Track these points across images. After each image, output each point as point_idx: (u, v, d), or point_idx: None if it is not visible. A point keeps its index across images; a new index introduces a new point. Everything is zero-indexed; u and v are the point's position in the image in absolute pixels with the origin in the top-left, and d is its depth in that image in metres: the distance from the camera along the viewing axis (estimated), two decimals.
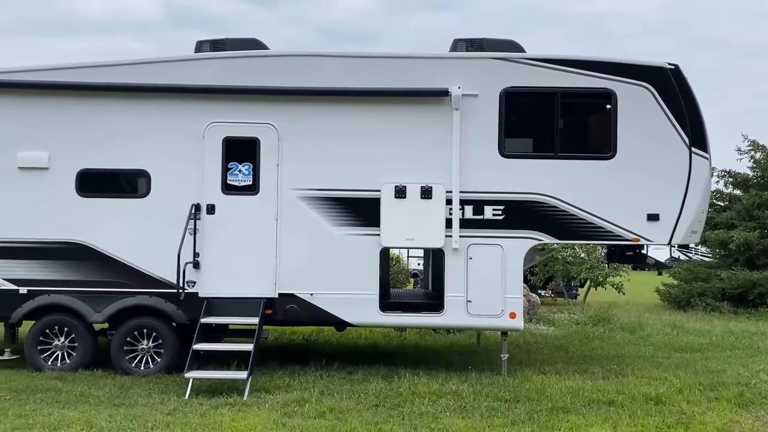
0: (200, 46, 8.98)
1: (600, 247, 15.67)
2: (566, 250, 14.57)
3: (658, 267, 12.34)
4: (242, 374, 7.23)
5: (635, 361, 9.56)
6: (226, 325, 8.50)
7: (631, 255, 9.13)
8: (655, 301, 19.28)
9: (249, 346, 7.53)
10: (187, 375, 7.20)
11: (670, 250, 14.82)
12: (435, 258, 10.02)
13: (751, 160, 18.85)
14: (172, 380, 7.72)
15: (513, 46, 8.71)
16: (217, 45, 8.88)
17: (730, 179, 19.29)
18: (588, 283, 15.36)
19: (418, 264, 19.34)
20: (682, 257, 19.67)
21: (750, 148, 18.89)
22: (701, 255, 23.24)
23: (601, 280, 14.86)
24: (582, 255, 15.23)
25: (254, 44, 8.90)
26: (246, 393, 7.10)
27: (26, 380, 7.54)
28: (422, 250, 11.66)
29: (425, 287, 11.17)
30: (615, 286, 15.06)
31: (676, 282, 18.95)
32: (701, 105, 8.22)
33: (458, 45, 8.84)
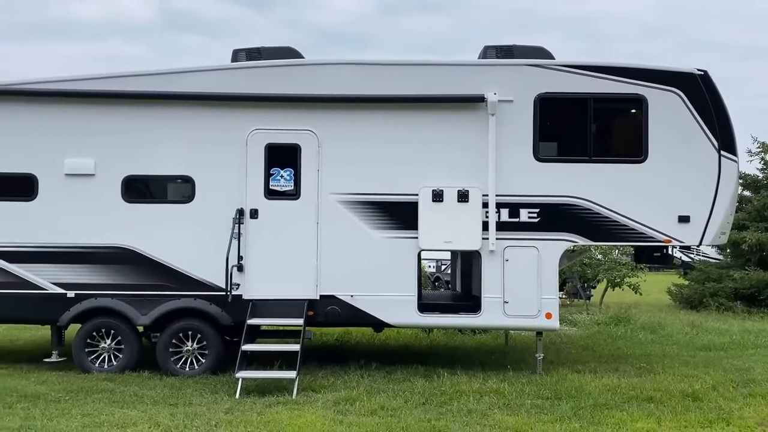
0: (236, 55, 9.19)
1: (616, 249, 15.93)
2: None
3: (684, 267, 12.55)
4: (291, 374, 7.44)
5: (663, 359, 9.77)
6: (258, 326, 8.64)
7: (658, 256, 9.35)
8: (666, 302, 19.52)
9: (295, 347, 7.74)
10: (237, 375, 7.40)
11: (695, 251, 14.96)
12: (464, 260, 10.27)
13: (761, 162, 19.09)
14: (218, 380, 7.92)
15: (542, 52, 8.94)
16: (252, 54, 9.09)
17: (741, 181, 19.51)
18: (605, 284, 15.58)
19: (430, 266, 19.56)
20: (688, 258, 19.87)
21: (759, 149, 19.13)
22: (703, 255, 23.51)
23: (618, 281, 15.09)
24: (598, 256, 15.45)
25: (289, 52, 9.10)
26: (295, 392, 7.31)
27: (78, 381, 7.73)
28: (448, 254, 11.87)
29: (452, 289, 11.40)
30: (632, 287, 15.28)
31: (686, 282, 19.20)
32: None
33: (488, 51, 9.06)
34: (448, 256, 13.48)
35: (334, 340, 10.98)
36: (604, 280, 15.38)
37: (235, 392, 7.30)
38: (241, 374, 7.44)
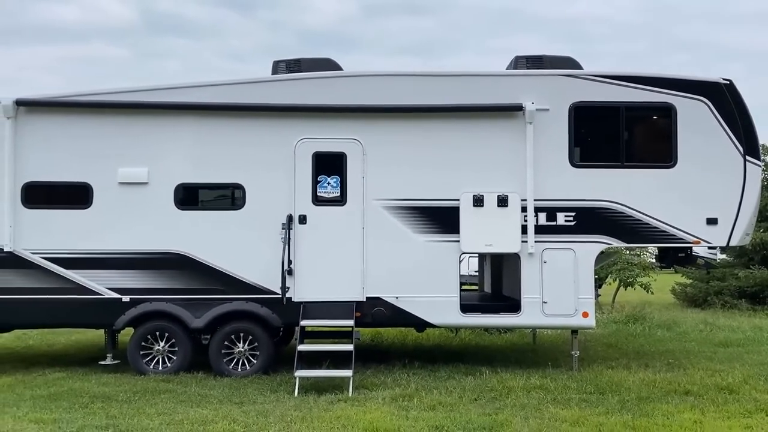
0: (276, 66, 9.53)
1: (629, 250, 16.35)
2: None
3: (707, 267, 12.99)
4: (347, 372, 7.78)
5: (687, 355, 10.20)
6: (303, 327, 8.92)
7: (683, 256, 9.80)
8: (670, 301, 20.02)
9: (349, 347, 8.09)
10: (296, 374, 7.73)
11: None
12: (494, 262, 10.66)
13: (763, 163, 19.63)
14: (271, 380, 8.25)
15: (572, 63, 9.36)
16: (292, 65, 9.43)
17: None
18: (617, 283, 16.02)
19: None
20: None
21: (762, 151, 19.66)
22: (722, 255, 24.04)
23: (631, 280, 15.54)
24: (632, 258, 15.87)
25: (328, 63, 9.45)
26: (350, 390, 7.65)
27: (139, 383, 8.01)
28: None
29: (480, 290, 11.77)
30: (643, 286, 15.74)
31: (689, 281, 19.74)
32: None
33: (519, 62, 9.47)
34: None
35: (369, 340, 11.31)
36: (617, 279, 15.81)
37: (294, 390, 7.64)
38: (299, 373, 7.77)
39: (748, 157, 8.85)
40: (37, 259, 8.58)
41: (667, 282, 19.41)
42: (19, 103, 8.60)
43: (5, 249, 8.52)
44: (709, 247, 9.00)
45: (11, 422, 6.33)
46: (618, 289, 16.14)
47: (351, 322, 8.39)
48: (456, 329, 11.56)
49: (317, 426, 6.24)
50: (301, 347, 8.07)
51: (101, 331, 9.38)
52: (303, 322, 8.36)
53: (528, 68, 9.30)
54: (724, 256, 21.56)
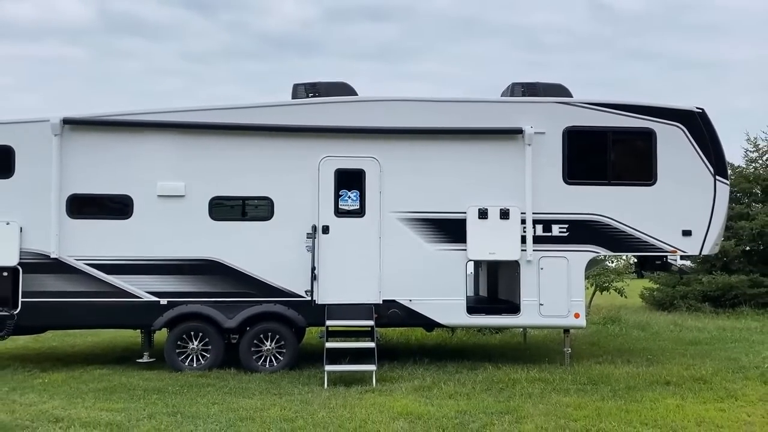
0: (296, 89, 10.47)
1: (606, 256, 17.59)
2: None
3: (681, 272, 14.11)
4: (372, 366, 8.72)
5: (663, 352, 11.37)
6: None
7: (659, 264, 10.96)
8: (638, 304, 21.41)
9: (371, 344, 9.03)
10: (326, 369, 8.64)
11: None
12: (490, 269, 11.72)
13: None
14: (298, 374, 9.12)
15: (562, 89, 10.49)
16: (309, 88, 10.37)
17: None
18: (593, 288, 17.23)
19: None
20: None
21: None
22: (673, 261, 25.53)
23: (606, 285, 16.78)
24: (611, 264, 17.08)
25: (344, 87, 10.41)
26: (374, 382, 8.59)
27: (180, 378, 8.79)
28: None
29: (476, 293, 12.80)
30: (618, 291, 16.99)
31: (656, 286, 21.16)
32: None
33: (515, 88, 10.57)
34: None
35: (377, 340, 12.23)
36: (593, 284, 17.01)
37: (323, 383, 8.54)
38: (329, 368, 8.67)
39: (717, 177, 10.06)
40: (81, 265, 9.33)
41: (636, 287, 20.79)
42: (66, 121, 9.36)
43: (52, 255, 9.25)
44: (682, 257, 10.15)
45: (84, 411, 7.10)
46: (594, 293, 17.36)
47: (371, 323, 9.33)
48: (453, 330, 12.57)
49: (357, 412, 7.15)
50: (329, 344, 8.97)
51: (116, 332, 10.06)
52: (328, 323, 9.26)
53: (524, 94, 10.40)
54: (686, 263, 23.13)
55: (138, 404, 7.41)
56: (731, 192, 20.94)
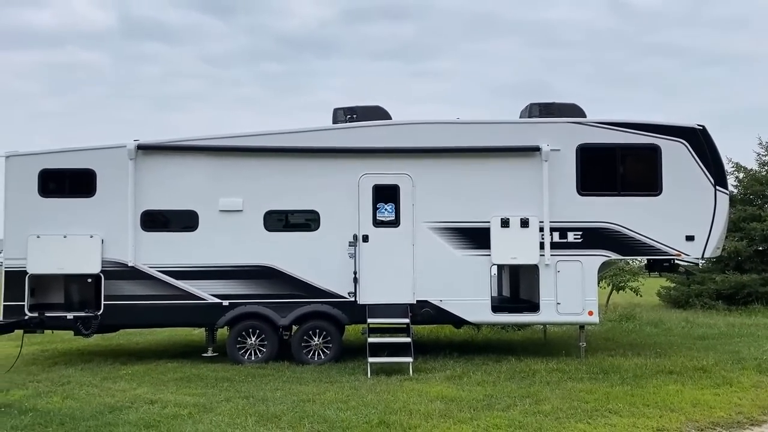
0: (336, 113, 11.79)
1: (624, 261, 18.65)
2: None
3: (687, 273, 15.15)
4: (409, 359, 9.98)
5: (671, 346, 12.48)
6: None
7: (667, 265, 12.06)
8: (655, 302, 22.41)
9: (407, 339, 10.29)
10: (369, 360, 9.91)
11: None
12: (512, 271, 12.92)
13: (735, 180, 22.12)
14: (344, 366, 10.39)
15: (576, 108, 11.66)
16: (348, 112, 11.68)
17: None
18: (609, 287, 18.32)
19: None
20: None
21: (733, 169, 22.15)
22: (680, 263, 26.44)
23: (622, 284, 17.86)
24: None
25: (379, 110, 11.70)
26: (411, 372, 9.84)
27: (242, 370, 10.10)
28: None
29: (499, 294, 13.99)
30: (633, 290, 18.06)
31: (672, 285, 22.16)
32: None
33: (532, 108, 11.77)
34: None
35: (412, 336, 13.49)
36: (610, 284, 18.10)
37: (367, 373, 9.81)
38: (371, 360, 9.95)
39: (717, 187, 11.14)
40: (153, 272, 10.72)
41: (653, 286, 21.81)
42: (140, 147, 10.76)
43: (129, 264, 10.65)
44: (685, 261, 11.28)
45: (171, 395, 8.45)
46: (611, 292, 18.44)
47: (407, 320, 10.59)
48: (479, 327, 13.79)
49: (400, 395, 8.40)
50: (371, 339, 10.25)
51: (172, 331, 11.31)
52: (369, 320, 10.54)
53: (540, 113, 11.59)
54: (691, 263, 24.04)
55: (213, 390, 8.75)
56: (744, 194, 22.00)
